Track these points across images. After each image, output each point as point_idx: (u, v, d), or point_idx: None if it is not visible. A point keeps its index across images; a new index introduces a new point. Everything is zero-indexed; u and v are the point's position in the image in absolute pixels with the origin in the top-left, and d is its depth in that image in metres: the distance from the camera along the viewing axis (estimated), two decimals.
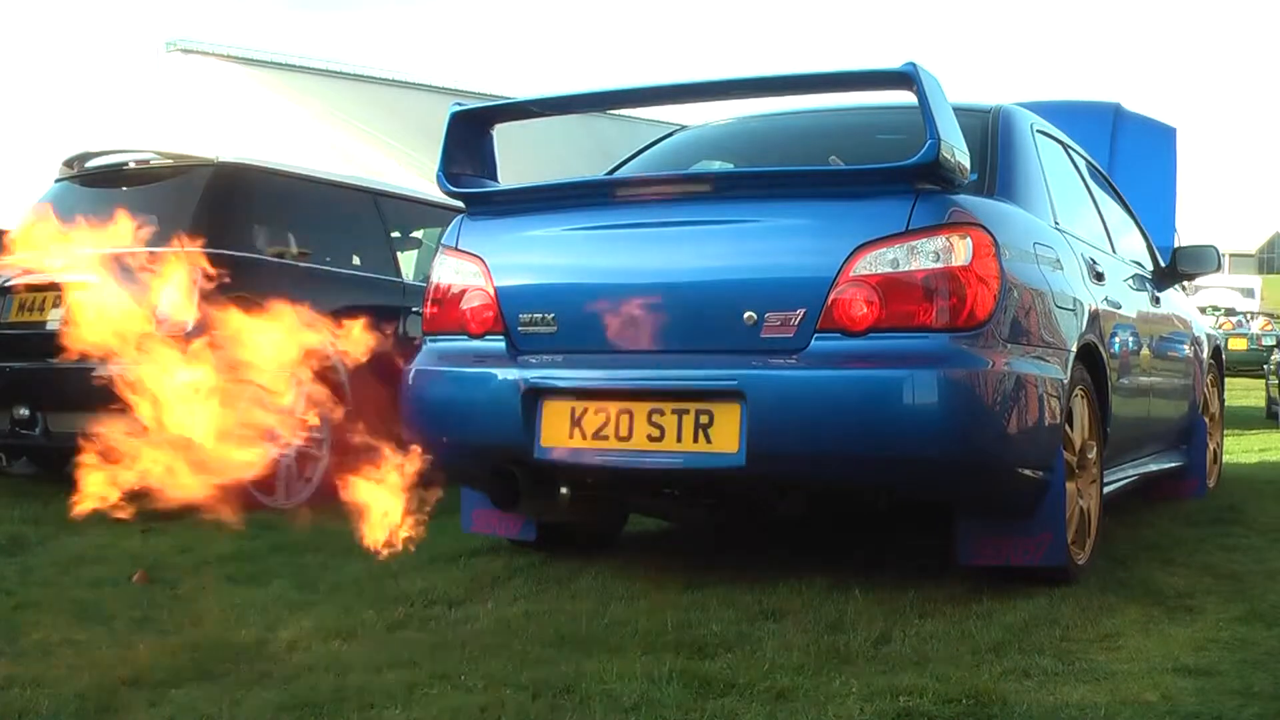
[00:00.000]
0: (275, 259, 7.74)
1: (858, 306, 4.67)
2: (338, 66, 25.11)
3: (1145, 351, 6.86)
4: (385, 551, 5.16)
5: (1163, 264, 7.80)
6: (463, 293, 5.36)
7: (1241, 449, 12.15)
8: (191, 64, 22.25)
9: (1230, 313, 38.53)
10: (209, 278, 7.27)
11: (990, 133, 5.67)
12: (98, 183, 8.27)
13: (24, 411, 7.39)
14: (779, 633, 4.42)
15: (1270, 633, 4.54)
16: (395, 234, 8.79)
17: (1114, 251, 6.78)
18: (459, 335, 5.36)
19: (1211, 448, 8.88)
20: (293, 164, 8.67)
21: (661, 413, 4.85)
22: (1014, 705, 3.61)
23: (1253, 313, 41.29)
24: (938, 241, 4.67)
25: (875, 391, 4.63)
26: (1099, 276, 6.00)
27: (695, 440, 4.79)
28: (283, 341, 5.55)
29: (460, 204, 5.65)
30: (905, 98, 4.79)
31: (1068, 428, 5.25)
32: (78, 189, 8.29)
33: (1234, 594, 5.21)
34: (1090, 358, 5.61)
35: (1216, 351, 9.55)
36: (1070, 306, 5.40)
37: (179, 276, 7.23)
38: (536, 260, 5.35)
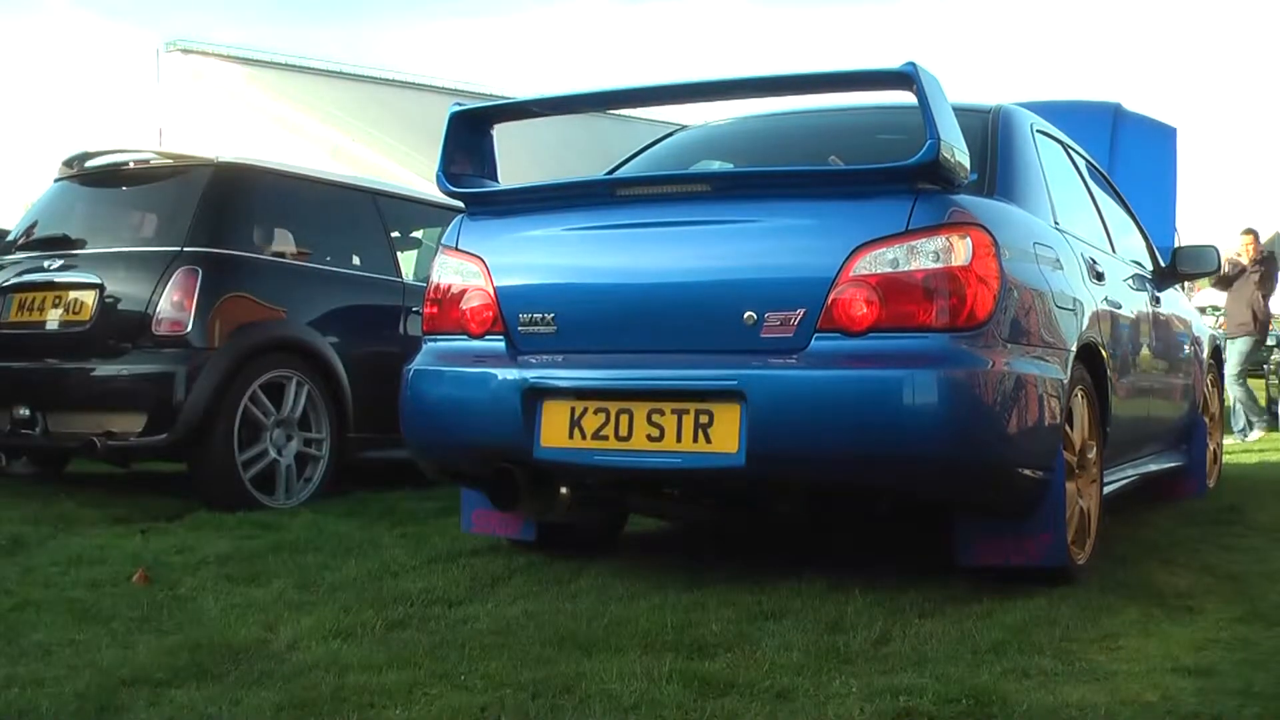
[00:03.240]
0: (274, 258, 7.74)
1: (858, 306, 4.67)
2: (338, 66, 25.06)
3: (1145, 351, 6.85)
4: None
5: (1163, 264, 7.79)
6: (463, 293, 5.35)
7: (1241, 449, 12.18)
8: (191, 64, 22.22)
9: None
10: (208, 277, 7.29)
11: (990, 133, 5.66)
12: (97, 182, 8.28)
13: (24, 412, 7.39)
14: (779, 633, 4.41)
15: (1270, 633, 4.53)
16: (395, 234, 8.79)
17: (1114, 251, 6.78)
18: (459, 335, 5.35)
19: (1211, 448, 8.88)
20: (292, 164, 8.67)
21: (661, 413, 4.84)
22: (1014, 705, 3.60)
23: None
24: (938, 241, 4.67)
25: (875, 391, 4.61)
26: (1099, 276, 6.00)
27: (695, 440, 4.78)
28: None
29: (460, 204, 5.64)
30: (905, 98, 4.78)
31: (1068, 428, 5.24)
32: (77, 189, 8.30)
33: (1234, 594, 5.20)
34: (1090, 357, 5.61)
35: (1216, 351, 9.56)
36: (1070, 306, 5.39)
37: (178, 276, 7.23)
38: (536, 260, 5.33)
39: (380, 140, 21.81)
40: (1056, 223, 5.70)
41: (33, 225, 8.26)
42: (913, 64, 4.71)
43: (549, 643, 4.26)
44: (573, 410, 4.98)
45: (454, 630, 4.48)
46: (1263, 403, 15.57)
